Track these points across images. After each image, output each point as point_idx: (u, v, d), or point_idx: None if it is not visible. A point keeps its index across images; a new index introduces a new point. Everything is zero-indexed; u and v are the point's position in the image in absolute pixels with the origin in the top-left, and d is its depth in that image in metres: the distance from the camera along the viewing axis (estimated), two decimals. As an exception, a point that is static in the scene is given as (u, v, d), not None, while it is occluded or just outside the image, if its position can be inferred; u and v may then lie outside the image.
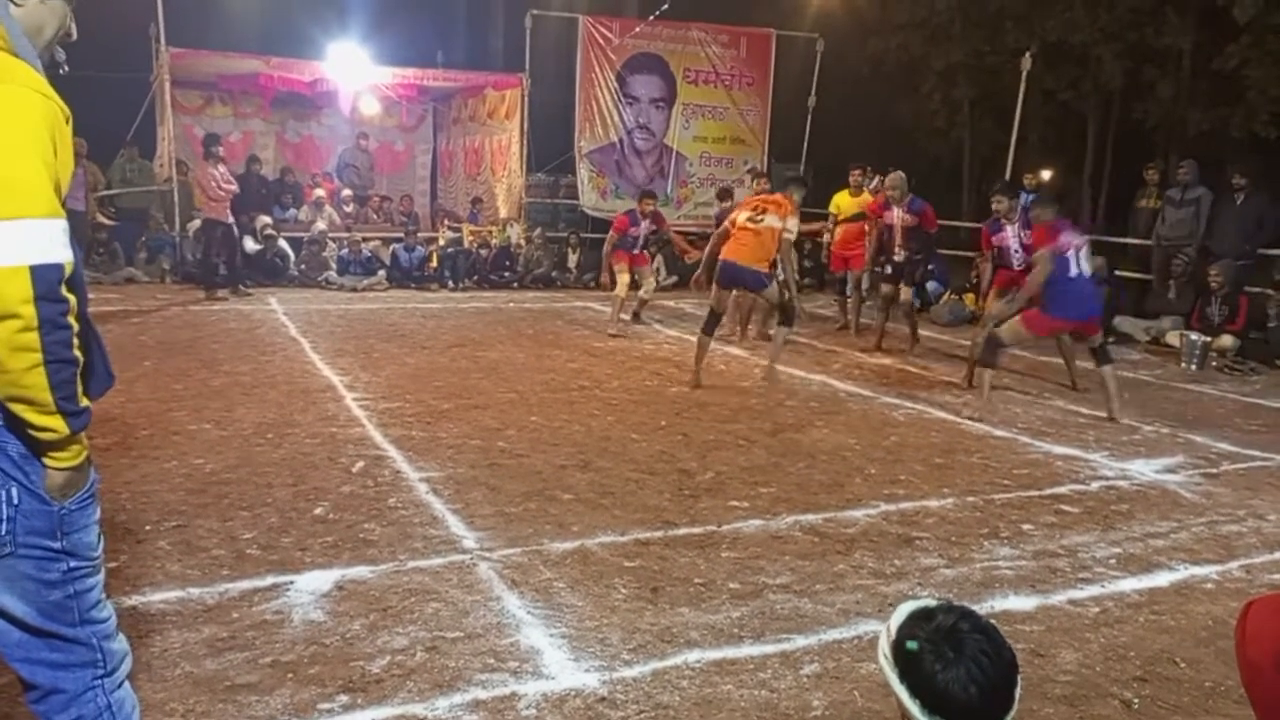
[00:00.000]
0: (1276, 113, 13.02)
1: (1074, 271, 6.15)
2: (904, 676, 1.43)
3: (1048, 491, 4.73)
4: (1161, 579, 3.69)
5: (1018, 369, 7.81)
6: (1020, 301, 6.28)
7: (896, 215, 8.53)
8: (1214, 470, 5.25)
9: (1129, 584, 3.62)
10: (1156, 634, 3.22)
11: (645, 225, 9.43)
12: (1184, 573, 3.77)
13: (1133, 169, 12.19)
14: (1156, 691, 2.85)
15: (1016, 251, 7.34)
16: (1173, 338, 9.10)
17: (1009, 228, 7.40)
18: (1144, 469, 5.22)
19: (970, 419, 6.10)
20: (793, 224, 6.79)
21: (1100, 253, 8.55)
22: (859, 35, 17.01)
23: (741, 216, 6.77)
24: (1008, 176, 11.84)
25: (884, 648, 1.48)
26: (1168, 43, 14.02)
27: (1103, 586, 3.59)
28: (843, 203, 10.31)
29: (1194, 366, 8.44)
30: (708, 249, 7.30)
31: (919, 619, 1.46)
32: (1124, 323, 9.64)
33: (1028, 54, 12.08)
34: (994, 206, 7.56)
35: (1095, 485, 4.88)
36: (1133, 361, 8.27)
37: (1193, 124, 14.18)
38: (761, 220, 6.63)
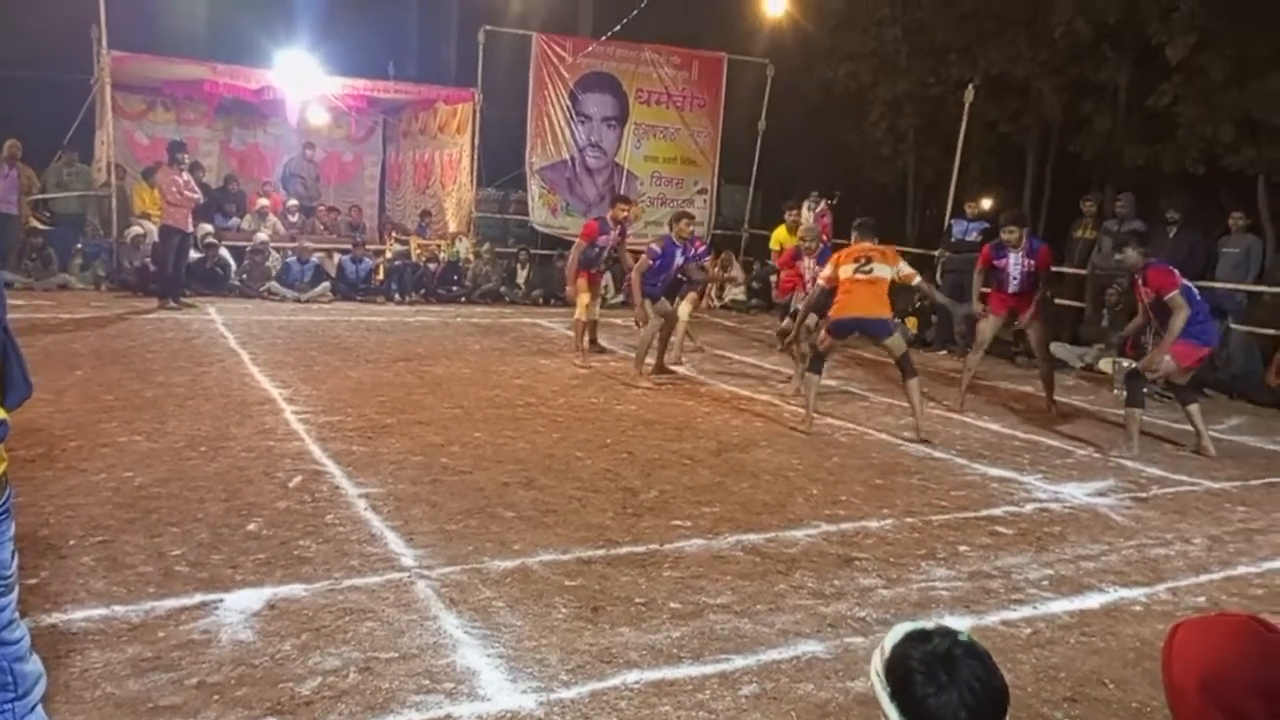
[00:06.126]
0: (1205, 150, 13.45)
1: (1199, 297, 6.38)
2: (895, 697, 1.42)
3: (983, 513, 4.81)
4: (1092, 601, 3.77)
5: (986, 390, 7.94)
6: (1166, 346, 6.23)
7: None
8: (1143, 494, 5.39)
9: (1060, 605, 3.70)
10: (1086, 655, 3.29)
11: (614, 235, 8.87)
12: (1113, 595, 3.85)
13: (1070, 200, 12.50)
14: (1086, 712, 2.90)
15: (1015, 279, 7.43)
16: (1105, 365, 9.34)
17: (1012, 254, 7.44)
18: (1076, 492, 5.33)
19: (1122, 459, 6.15)
20: (905, 268, 6.58)
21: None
22: (809, 63, 17.27)
23: (847, 270, 6.44)
24: (950, 204, 12.10)
25: (876, 666, 1.48)
26: (1105, 78, 14.44)
27: (1035, 608, 3.66)
28: (782, 237, 10.94)
29: (1124, 393, 8.65)
30: (810, 302, 7.11)
31: (914, 640, 1.46)
32: (1059, 349, 9.87)
33: (971, 86, 12.39)
34: (1004, 236, 7.50)
35: (1029, 507, 4.97)
36: (1067, 387, 8.46)
37: (1128, 158, 14.59)
38: (870, 270, 6.40)
